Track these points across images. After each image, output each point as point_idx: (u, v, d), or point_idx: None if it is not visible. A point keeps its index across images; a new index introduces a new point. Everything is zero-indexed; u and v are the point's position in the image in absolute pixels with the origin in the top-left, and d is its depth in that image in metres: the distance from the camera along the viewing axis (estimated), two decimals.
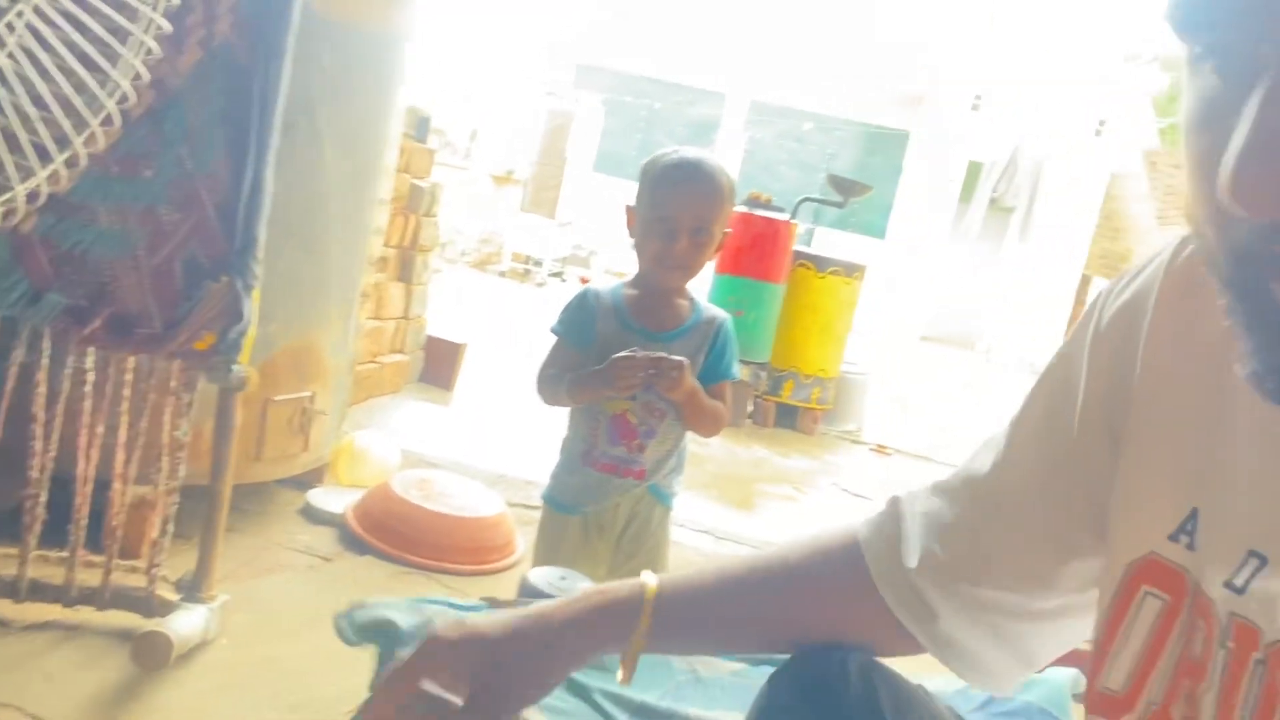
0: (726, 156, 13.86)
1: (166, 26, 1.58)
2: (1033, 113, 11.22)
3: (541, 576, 1.06)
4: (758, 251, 4.80)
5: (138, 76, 1.61)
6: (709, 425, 1.80)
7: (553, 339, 1.85)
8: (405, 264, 3.93)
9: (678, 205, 1.72)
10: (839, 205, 5.17)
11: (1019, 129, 11.14)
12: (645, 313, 1.80)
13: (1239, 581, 0.59)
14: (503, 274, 9.44)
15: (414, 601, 0.99)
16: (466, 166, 9.61)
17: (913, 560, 0.77)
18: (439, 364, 4.23)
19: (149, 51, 1.62)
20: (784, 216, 4.97)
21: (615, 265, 10.26)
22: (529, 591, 1.04)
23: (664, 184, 1.75)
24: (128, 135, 1.70)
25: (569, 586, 1.04)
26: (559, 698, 0.89)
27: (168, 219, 1.73)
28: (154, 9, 1.62)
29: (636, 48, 13.26)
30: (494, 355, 5.22)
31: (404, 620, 0.92)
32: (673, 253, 1.73)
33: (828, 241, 11.28)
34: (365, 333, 3.53)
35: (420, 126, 5.27)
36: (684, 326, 1.80)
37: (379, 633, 0.91)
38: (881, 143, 13.93)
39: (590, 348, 1.79)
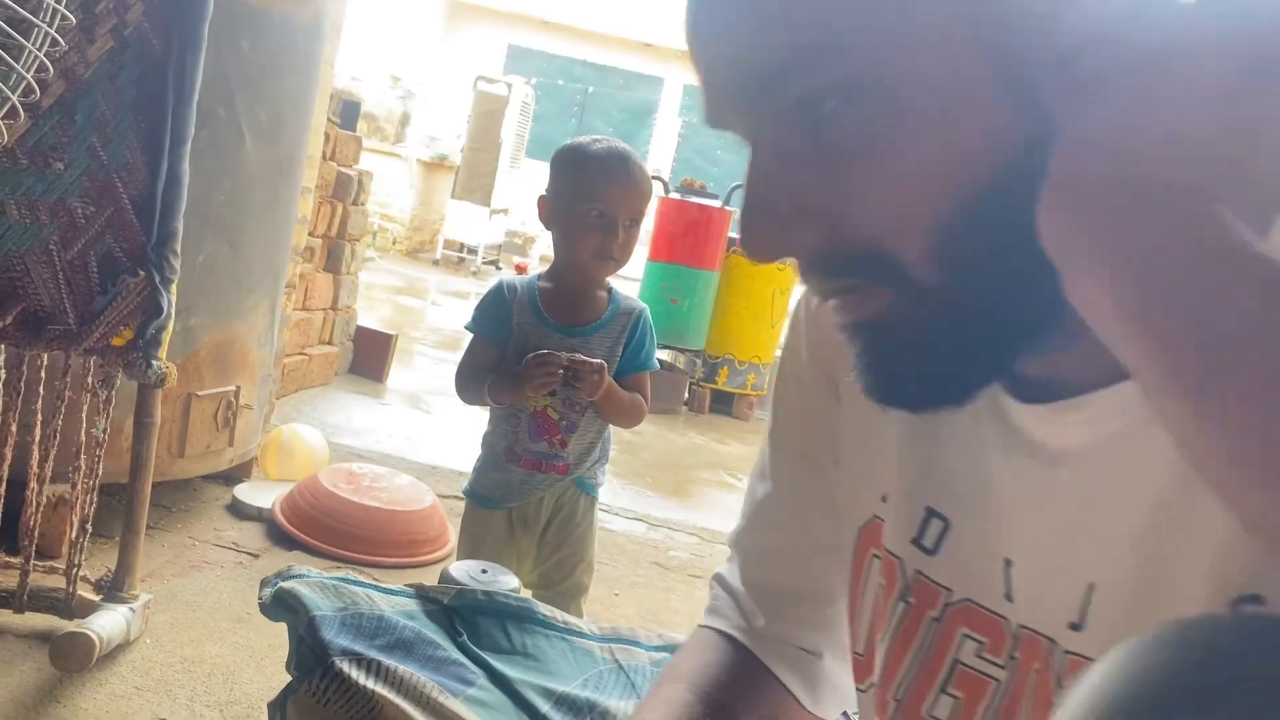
0: (661, 141, 13.88)
1: (70, 18, 1.54)
2: None
3: (462, 569, 1.06)
4: (692, 238, 4.82)
5: (42, 68, 1.56)
6: (627, 419, 1.80)
7: (469, 336, 1.84)
8: (333, 253, 3.88)
9: (616, 198, 1.70)
10: None
11: None
12: (561, 307, 1.79)
13: (928, 542, 0.64)
14: (436, 262, 9.35)
15: (341, 580, 0.99)
16: (398, 153, 9.50)
17: (759, 621, 0.81)
18: (369, 355, 4.19)
19: (53, 43, 1.57)
20: (718, 203, 5.00)
21: (551, 253, 10.21)
22: (448, 582, 1.04)
23: (599, 177, 1.72)
24: (37, 127, 1.66)
25: (489, 580, 1.05)
26: (482, 688, 0.90)
27: (81, 212, 1.69)
28: None
29: (569, 31, 13.20)
30: (427, 345, 5.18)
31: (319, 603, 0.91)
32: (611, 247, 1.72)
33: None
34: (293, 324, 3.48)
35: (347, 113, 5.21)
36: (601, 320, 1.80)
37: (288, 611, 0.91)
38: None
39: (507, 344, 1.78)
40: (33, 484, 1.74)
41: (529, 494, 1.81)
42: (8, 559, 1.75)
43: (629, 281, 5.62)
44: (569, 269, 1.78)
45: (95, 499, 1.75)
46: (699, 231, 4.81)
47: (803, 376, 0.79)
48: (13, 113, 1.52)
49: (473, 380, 1.78)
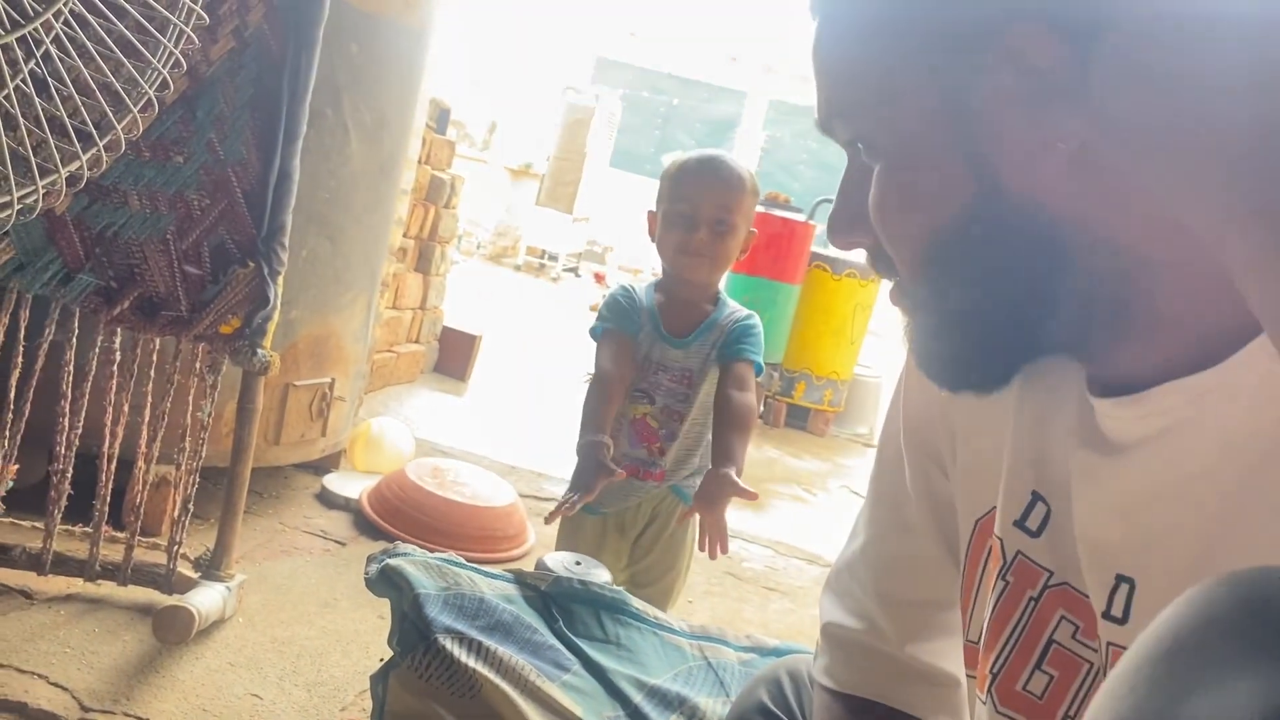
0: (744, 155, 13.86)
1: (205, 18, 1.61)
2: None
3: (557, 559, 1.09)
4: (774, 251, 4.81)
5: (176, 64, 1.64)
6: (752, 423, 1.76)
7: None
8: (424, 255, 3.96)
9: (697, 195, 1.73)
10: None
11: None
12: (670, 316, 1.82)
13: (1032, 525, 0.66)
14: (518, 268, 9.47)
15: (444, 560, 1.02)
16: (484, 159, 9.65)
17: (896, 647, 0.83)
18: (454, 355, 4.26)
19: (187, 40, 1.65)
20: (801, 217, 4.99)
21: (630, 262, 10.30)
22: (544, 570, 1.07)
23: (685, 176, 1.77)
24: (161, 121, 1.73)
25: (583, 572, 1.07)
26: (577, 674, 0.92)
27: (197, 204, 1.76)
28: None
29: (656, 44, 13.27)
30: (508, 348, 5.25)
31: (423, 581, 0.95)
32: (693, 242, 1.73)
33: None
34: (383, 322, 3.56)
35: (441, 118, 5.30)
36: (702, 326, 1.82)
37: (393, 588, 0.95)
38: None
39: (637, 334, 1.81)
40: (140, 463, 1.82)
41: (626, 499, 1.83)
42: (114, 534, 1.83)
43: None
44: (666, 275, 1.81)
45: (197, 480, 1.82)
46: (781, 245, 4.80)
47: (911, 387, 0.81)
48: (148, 106, 1.59)
49: (594, 389, 1.76)
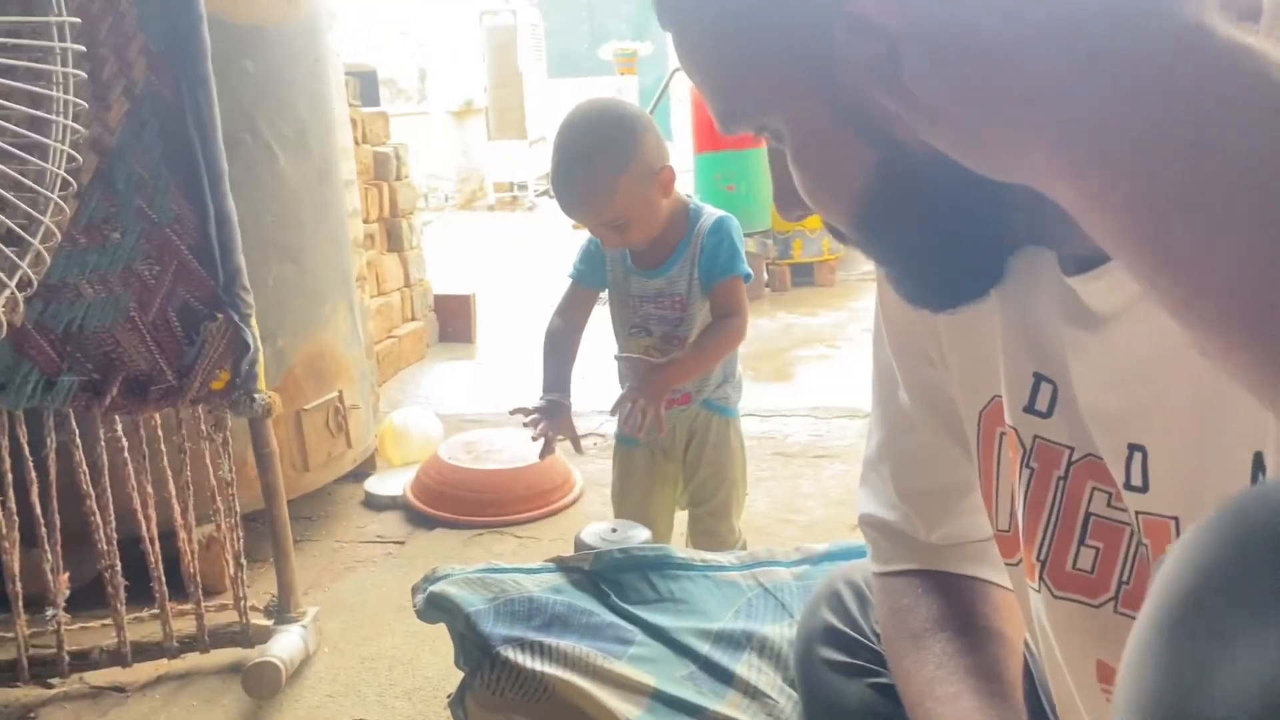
0: None
1: (82, 75, 1.56)
2: None
3: (593, 533, 1.10)
4: None
5: (76, 139, 1.59)
6: (725, 350, 1.80)
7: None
8: (392, 233, 3.92)
9: (575, 217, 1.78)
10: None
11: None
12: (641, 252, 1.81)
13: (1041, 406, 0.67)
14: (491, 207, 9.38)
15: (485, 570, 1.03)
16: (424, 111, 9.47)
17: (929, 535, 0.85)
18: (454, 320, 4.26)
19: (77, 112, 1.60)
20: None
21: None
22: (582, 548, 1.08)
23: (557, 194, 1.75)
24: (84, 205, 1.70)
25: (620, 539, 1.08)
26: (641, 644, 0.93)
27: (148, 273, 1.74)
28: (65, 65, 1.60)
29: None
30: (505, 295, 5.23)
31: (470, 599, 0.96)
32: (603, 241, 1.78)
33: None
34: (375, 312, 3.55)
35: (367, 84, 5.17)
36: (675, 254, 1.80)
37: (443, 613, 0.96)
38: None
39: (603, 288, 1.89)
40: (181, 534, 1.84)
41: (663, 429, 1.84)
42: (181, 607, 1.86)
43: (682, 174, 5.55)
44: None
45: (241, 532, 1.84)
46: None
47: (886, 297, 0.82)
48: (65, 186, 1.54)
49: (559, 328, 1.87)
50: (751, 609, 0.99)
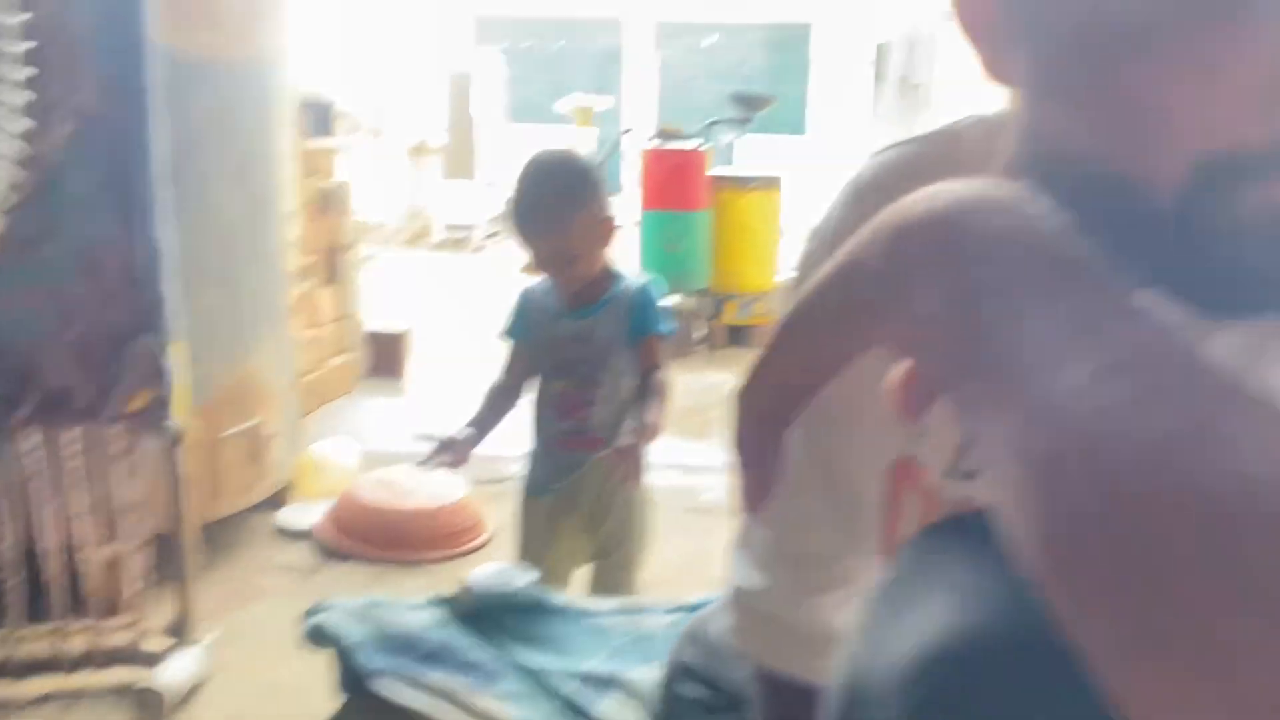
0: (637, 85, 13.74)
1: (30, 95, 1.60)
2: None
3: (480, 574, 1.15)
4: (676, 183, 4.85)
5: (16, 158, 1.64)
6: (663, 406, 1.91)
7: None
8: (330, 266, 3.96)
9: (528, 241, 1.85)
10: (745, 121, 5.21)
11: (914, 5, 11.12)
12: (569, 295, 1.90)
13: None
14: (438, 246, 9.41)
15: (370, 603, 1.08)
16: (379, 145, 9.51)
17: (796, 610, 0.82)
18: (384, 357, 4.28)
19: (21, 134, 1.65)
20: (696, 143, 5.02)
21: None
22: (467, 589, 1.13)
23: (516, 218, 1.86)
24: (20, 220, 1.74)
25: (504, 581, 1.13)
26: (510, 681, 0.98)
27: (75, 292, 1.77)
28: (14, 87, 1.64)
29: None
30: (441, 334, 5.26)
31: (351, 631, 1.01)
32: (542, 267, 1.87)
33: (752, 149, 11.25)
34: (305, 342, 3.57)
35: (320, 116, 5.18)
36: (602, 300, 1.89)
37: (327, 642, 1.00)
38: (785, 40, 13.86)
39: (529, 339, 1.95)
40: (87, 550, 1.85)
41: (570, 473, 1.91)
42: (78, 624, 1.86)
43: (628, 228, 5.67)
44: None
45: (146, 554, 1.86)
46: (682, 175, 4.84)
47: None
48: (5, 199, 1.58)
49: (500, 385, 1.98)
50: (621, 653, 1.05)
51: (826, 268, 0.43)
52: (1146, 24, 0.44)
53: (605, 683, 1.00)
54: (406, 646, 0.99)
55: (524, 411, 1.99)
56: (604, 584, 1.96)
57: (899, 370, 0.47)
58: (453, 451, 1.91)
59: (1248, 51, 0.42)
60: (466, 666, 0.99)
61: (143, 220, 1.80)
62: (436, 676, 0.96)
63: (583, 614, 1.10)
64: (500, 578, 1.13)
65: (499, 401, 1.98)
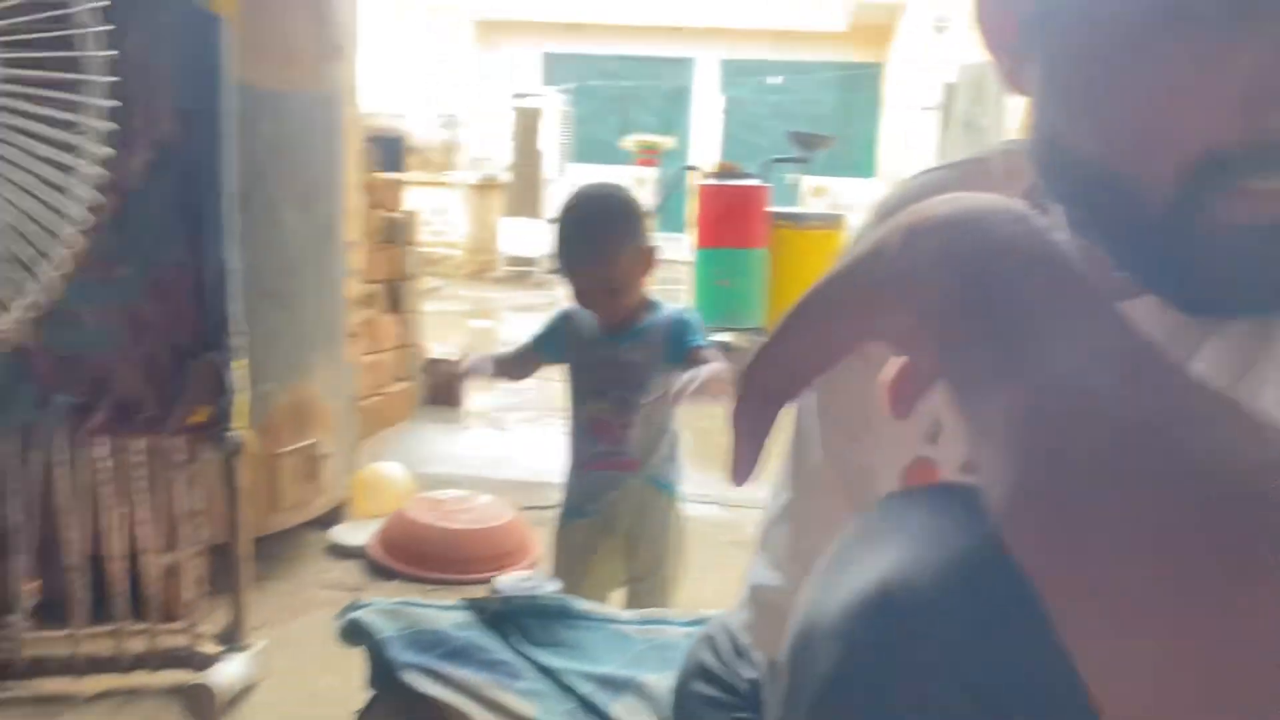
0: (705, 121, 13.88)
1: (109, 126, 1.71)
2: None
3: (508, 580, 1.21)
4: (733, 221, 4.92)
5: (97, 183, 1.75)
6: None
7: (524, 343, 2.11)
8: (393, 295, 4.08)
9: (571, 270, 1.90)
10: (804, 160, 5.26)
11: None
12: (607, 321, 1.96)
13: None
14: (499, 280, 9.58)
15: (402, 604, 1.14)
16: (446, 181, 9.74)
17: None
18: (443, 384, 4.38)
19: (102, 161, 1.76)
20: (756, 181, 5.09)
21: None
22: (495, 593, 1.19)
23: (560, 245, 1.92)
24: (98, 241, 1.85)
25: (532, 586, 1.19)
26: (530, 680, 1.03)
27: (146, 311, 1.88)
28: (93, 116, 1.76)
29: (602, 30, 13.30)
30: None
31: (383, 626, 1.07)
32: (582, 300, 1.93)
33: (820, 190, 11.26)
34: (365, 368, 3.68)
35: (392, 150, 5.33)
36: (638, 328, 1.94)
37: (360, 637, 1.06)
38: (857, 81, 13.90)
39: (553, 361, 2.04)
40: (147, 557, 1.94)
41: (605, 493, 1.96)
42: (137, 626, 1.95)
43: (675, 265, 5.74)
44: None
45: (203, 562, 1.95)
46: (739, 213, 4.90)
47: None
48: (82, 223, 1.69)
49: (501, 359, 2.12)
50: (639, 660, 1.09)
51: (844, 257, 0.47)
52: (1142, 36, 0.48)
53: (622, 685, 1.05)
54: (434, 643, 1.05)
55: (561, 439, 2.05)
56: (639, 605, 2.00)
57: (891, 367, 0.52)
58: (475, 364, 2.11)
59: (1237, 59, 0.46)
60: (490, 664, 1.04)
61: (212, 244, 1.91)
62: (461, 673, 1.01)
63: (605, 621, 1.15)
64: (527, 584, 1.19)
65: (509, 369, 2.12)
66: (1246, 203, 0.48)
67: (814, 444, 0.85)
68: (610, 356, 1.94)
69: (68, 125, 1.74)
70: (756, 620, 0.87)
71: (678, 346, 1.92)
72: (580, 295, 1.92)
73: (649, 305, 1.96)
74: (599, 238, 1.88)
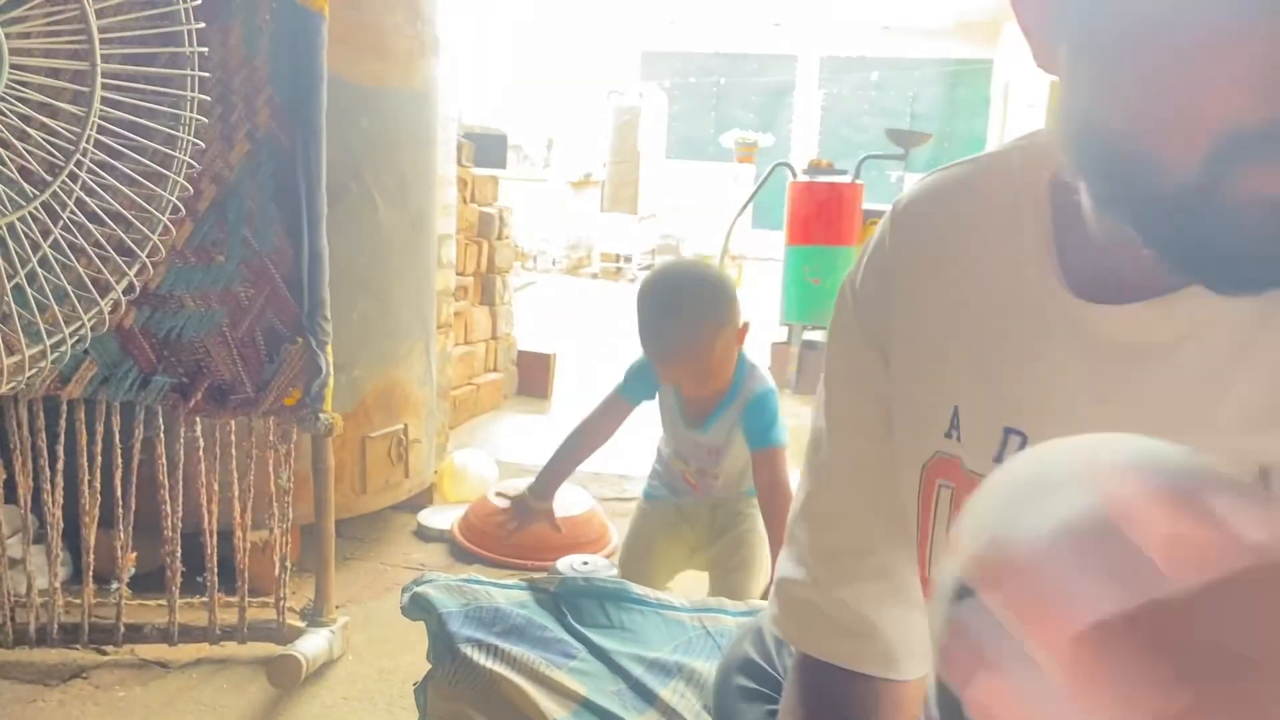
0: (803, 118, 13.77)
1: (203, 119, 1.79)
2: None
3: (567, 562, 1.24)
4: (825, 218, 4.87)
5: (192, 174, 1.83)
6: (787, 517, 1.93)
7: (611, 393, 2.08)
8: (486, 288, 4.16)
9: (655, 361, 1.86)
10: (900, 158, 5.19)
11: None
12: (688, 404, 1.97)
13: (1005, 456, 0.69)
14: (595, 276, 9.67)
15: (464, 580, 1.17)
16: (545, 178, 9.87)
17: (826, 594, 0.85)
18: (533, 376, 4.45)
19: (200, 152, 1.84)
20: (848, 178, 5.03)
21: (704, 249, 10.36)
22: (554, 574, 1.21)
23: (640, 335, 1.85)
24: (198, 229, 1.94)
25: (589, 570, 1.21)
26: (583, 660, 1.06)
27: (243, 295, 1.96)
28: (192, 110, 1.84)
29: (698, 27, 13.29)
30: (588, 358, 5.42)
31: (446, 601, 1.10)
32: (668, 380, 1.92)
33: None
34: (457, 358, 3.77)
35: (494, 147, 5.41)
36: (714, 413, 1.94)
37: (423, 612, 1.10)
38: (965, 77, 13.62)
39: (645, 401, 2.04)
40: (238, 532, 2.03)
41: (688, 496, 2.01)
42: (228, 599, 2.04)
43: (773, 263, 5.71)
44: None
45: (291, 539, 2.02)
46: (831, 210, 4.86)
47: (851, 344, 0.83)
48: (175, 212, 1.78)
49: (582, 431, 2.08)
50: (690, 646, 1.11)
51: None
52: (1166, 16, 0.49)
53: (671, 670, 1.06)
54: (493, 620, 1.08)
55: (649, 437, 2.09)
56: (725, 593, 2.01)
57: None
58: (522, 519, 2.02)
59: (1254, 38, 0.46)
60: (544, 642, 1.07)
61: (305, 232, 1.98)
62: (516, 649, 1.04)
63: (660, 606, 1.16)
64: (585, 567, 1.21)
65: (575, 454, 2.07)
66: (1269, 178, 0.48)
67: (823, 441, 0.86)
68: (690, 438, 1.98)
69: (170, 119, 1.82)
70: (780, 611, 0.88)
71: (753, 439, 1.90)
72: (667, 377, 1.88)
73: (730, 382, 1.93)
74: (689, 331, 1.78)
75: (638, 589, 1.17)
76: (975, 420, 0.71)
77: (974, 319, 0.72)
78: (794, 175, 5.17)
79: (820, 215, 4.82)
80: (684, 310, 1.79)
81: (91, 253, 1.79)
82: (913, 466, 0.78)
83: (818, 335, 5.15)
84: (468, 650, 1.04)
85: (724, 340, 1.81)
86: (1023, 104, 12.04)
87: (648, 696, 1.02)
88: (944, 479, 0.75)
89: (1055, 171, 0.70)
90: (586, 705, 0.99)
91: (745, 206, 5.49)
